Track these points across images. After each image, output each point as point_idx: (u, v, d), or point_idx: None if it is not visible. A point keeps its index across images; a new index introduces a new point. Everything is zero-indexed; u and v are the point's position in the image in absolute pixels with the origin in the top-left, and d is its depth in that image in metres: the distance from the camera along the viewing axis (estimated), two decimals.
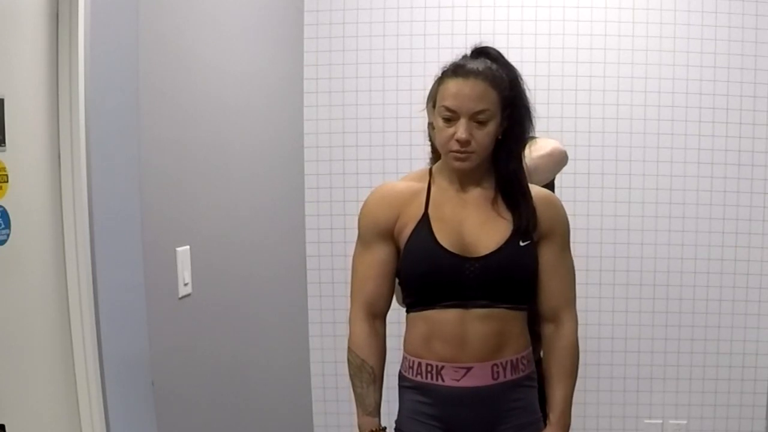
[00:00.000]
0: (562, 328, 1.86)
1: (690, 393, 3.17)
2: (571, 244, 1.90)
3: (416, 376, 1.84)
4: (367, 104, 3.13)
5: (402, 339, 1.91)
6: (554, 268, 1.85)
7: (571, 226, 1.90)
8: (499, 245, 1.78)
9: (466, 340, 1.78)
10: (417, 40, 3.09)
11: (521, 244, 1.79)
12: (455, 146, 1.74)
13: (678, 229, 3.10)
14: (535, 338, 1.91)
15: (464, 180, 1.83)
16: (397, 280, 1.88)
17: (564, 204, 1.92)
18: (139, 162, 1.84)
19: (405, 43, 3.09)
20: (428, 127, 2.00)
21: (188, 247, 2.10)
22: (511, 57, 1.85)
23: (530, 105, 1.82)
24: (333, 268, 3.18)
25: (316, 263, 3.21)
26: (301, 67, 3.14)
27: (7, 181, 1.48)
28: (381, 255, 1.84)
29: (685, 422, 3.18)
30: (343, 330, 1.94)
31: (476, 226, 1.80)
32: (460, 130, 1.72)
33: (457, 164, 1.77)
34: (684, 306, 3.13)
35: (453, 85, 1.73)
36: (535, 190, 1.84)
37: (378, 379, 1.86)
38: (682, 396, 3.18)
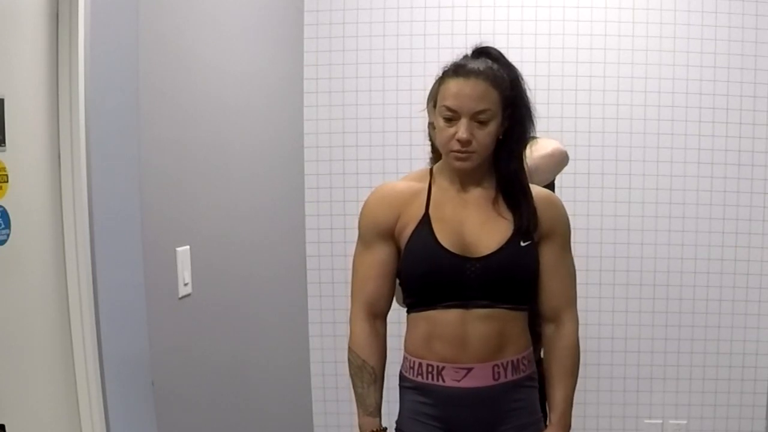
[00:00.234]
0: (562, 328, 1.86)
1: (690, 393, 3.17)
2: (572, 244, 1.90)
3: (417, 376, 1.84)
4: (367, 104, 3.13)
5: (402, 339, 1.90)
6: (555, 268, 1.85)
7: (571, 226, 1.90)
8: (500, 245, 1.78)
9: (466, 340, 1.78)
10: (417, 40, 3.08)
11: (522, 244, 1.78)
12: (456, 146, 1.74)
13: (678, 229, 3.10)
14: (535, 338, 1.91)
15: (465, 180, 1.83)
16: (397, 281, 1.88)
17: (564, 204, 1.92)
18: (139, 162, 1.84)
19: (405, 43, 3.09)
20: (428, 127, 2.00)
21: (188, 247, 2.10)
22: (511, 57, 1.84)
23: (531, 105, 1.82)
24: (333, 268, 3.18)
25: (316, 263, 3.21)
26: (301, 67, 3.14)
27: (7, 181, 1.48)
28: (381, 255, 1.84)
29: (685, 422, 3.18)
30: (343, 330, 1.94)
31: (477, 226, 1.80)
32: (461, 129, 1.72)
33: (458, 164, 1.77)
34: (684, 306, 3.13)
35: (454, 85, 1.73)
36: (536, 190, 1.84)
37: (378, 380, 1.86)
38: (682, 396, 3.17)
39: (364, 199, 1.90)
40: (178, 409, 2.06)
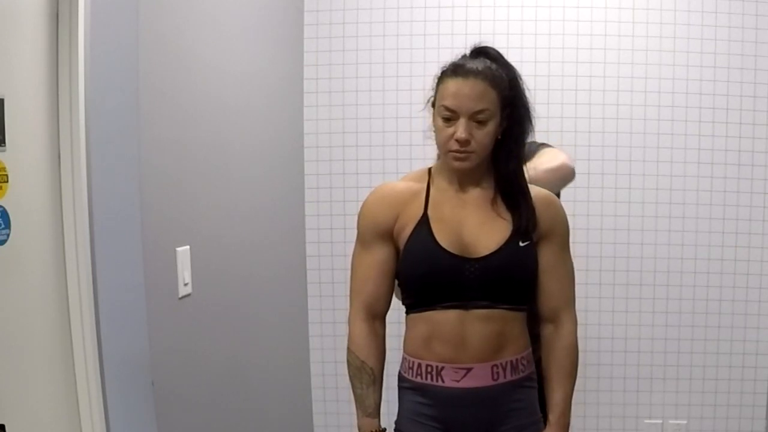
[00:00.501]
0: (561, 329, 1.86)
1: (690, 393, 3.17)
2: (571, 244, 1.90)
3: (416, 377, 1.84)
4: (367, 104, 3.13)
5: (401, 339, 1.90)
6: (554, 269, 1.84)
7: (571, 226, 1.90)
8: (498, 245, 1.78)
9: (466, 340, 1.78)
10: (417, 40, 3.09)
11: (521, 244, 1.78)
12: (455, 146, 1.74)
13: (678, 229, 3.10)
14: (534, 339, 1.91)
15: (464, 180, 1.83)
16: (396, 281, 1.88)
17: (564, 204, 1.92)
18: (139, 162, 1.84)
19: (405, 43, 3.09)
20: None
21: (188, 247, 2.10)
22: (511, 57, 1.84)
23: (530, 105, 1.82)
24: (333, 268, 3.18)
25: (316, 263, 3.21)
26: (301, 67, 3.14)
27: (7, 181, 1.48)
28: (380, 255, 1.84)
29: (685, 422, 3.18)
30: (343, 330, 1.94)
31: (476, 227, 1.80)
32: (460, 129, 1.72)
33: (457, 164, 1.77)
34: (684, 306, 3.13)
35: (452, 85, 1.73)
36: (535, 190, 1.84)
37: (377, 380, 1.86)
38: (682, 396, 3.18)
39: (364, 199, 1.90)
40: (178, 409, 2.06)
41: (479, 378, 1.79)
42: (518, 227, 1.79)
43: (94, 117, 1.65)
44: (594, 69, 3.05)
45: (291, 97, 3.06)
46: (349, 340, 1.88)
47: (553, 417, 1.84)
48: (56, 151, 1.64)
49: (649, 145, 3.07)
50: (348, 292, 1.90)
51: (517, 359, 1.82)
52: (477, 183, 1.83)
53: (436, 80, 1.79)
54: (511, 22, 3.05)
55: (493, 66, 1.76)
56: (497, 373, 1.80)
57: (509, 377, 1.81)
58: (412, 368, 1.85)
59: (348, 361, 1.88)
